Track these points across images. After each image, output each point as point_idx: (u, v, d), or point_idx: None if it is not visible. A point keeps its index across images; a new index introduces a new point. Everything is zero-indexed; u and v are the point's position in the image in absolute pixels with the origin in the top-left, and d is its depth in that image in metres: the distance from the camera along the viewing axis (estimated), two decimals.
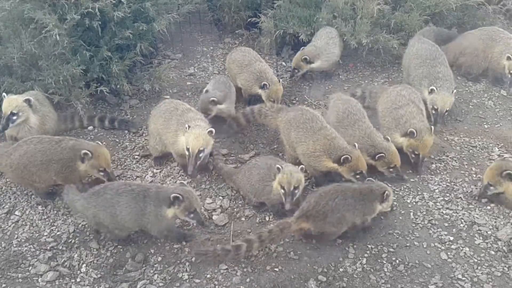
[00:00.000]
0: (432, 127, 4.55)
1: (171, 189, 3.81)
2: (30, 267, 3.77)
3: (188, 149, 4.21)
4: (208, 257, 3.65)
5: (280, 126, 4.57)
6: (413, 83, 5.25)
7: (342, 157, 4.05)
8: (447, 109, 4.98)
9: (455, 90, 5.09)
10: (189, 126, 4.25)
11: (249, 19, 6.34)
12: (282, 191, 3.87)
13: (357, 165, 4.10)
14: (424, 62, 5.28)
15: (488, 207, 4.12)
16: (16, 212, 4.24)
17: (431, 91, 5.00)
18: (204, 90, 5.10)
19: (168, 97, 5.58)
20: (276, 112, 4.67)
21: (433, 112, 5.00)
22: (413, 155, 4.48)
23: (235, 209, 4.20)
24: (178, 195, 3.63)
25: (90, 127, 5.17)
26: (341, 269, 3.66)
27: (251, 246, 3.64)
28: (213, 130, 4.31)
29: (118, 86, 5.30)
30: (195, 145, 4.18)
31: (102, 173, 4.23)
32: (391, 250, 3.79)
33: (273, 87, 5.20)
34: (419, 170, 4.50)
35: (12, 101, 4.43)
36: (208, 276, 3.64)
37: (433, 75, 5.15)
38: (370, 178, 4.03)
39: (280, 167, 3.90)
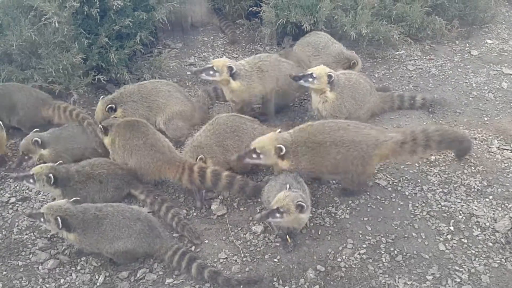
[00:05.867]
0: None
1: None
2: (31, 255, 3.79)
3: None
4: None
5: None
6: None
7: None
8: None
9: None
10: None
11: (250, 9, 6.31)
12: None
13: None
14: None
15: (487, 199, 4.14)
16: None
17: None
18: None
19: None
20: None
21: None
22: None
23: (235, 199, 4.21)
24: None
25: None
26: (339, 259, 3.68)
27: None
28: None
29: (118, 75, 5.29)
30: None
31: None
32: (390, 240, 3.82)
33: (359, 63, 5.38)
34: None
35: None
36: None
37: None
38: None
39: None
